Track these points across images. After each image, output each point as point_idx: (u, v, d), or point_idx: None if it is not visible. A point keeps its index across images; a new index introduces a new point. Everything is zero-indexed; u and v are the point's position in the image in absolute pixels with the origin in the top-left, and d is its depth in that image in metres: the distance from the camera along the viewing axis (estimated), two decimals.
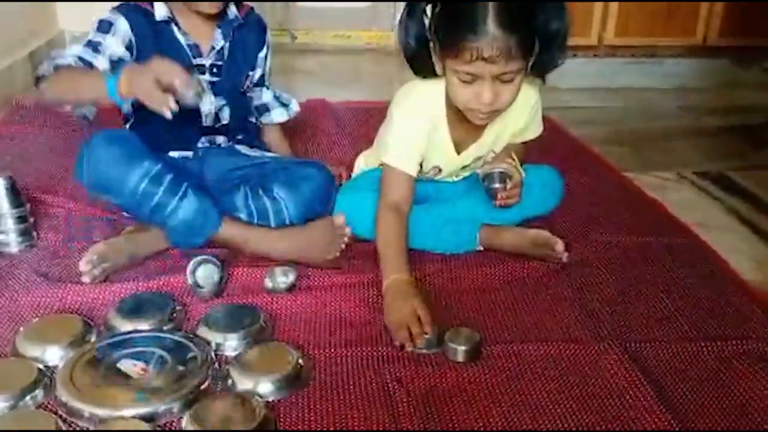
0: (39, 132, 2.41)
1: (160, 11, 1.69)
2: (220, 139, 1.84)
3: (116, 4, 1.70)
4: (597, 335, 1.40)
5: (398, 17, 1.58)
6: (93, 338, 1.32)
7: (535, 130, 1.75)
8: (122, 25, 1.66)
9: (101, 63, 1.63)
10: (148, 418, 1.11)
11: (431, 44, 1.49)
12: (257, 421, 1.09)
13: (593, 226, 1.86)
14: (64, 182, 2.00)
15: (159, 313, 1.38)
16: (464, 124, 1.60)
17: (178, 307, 1.42)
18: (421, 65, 1.54)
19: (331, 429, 1.13)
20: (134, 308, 1.39)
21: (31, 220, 1.68)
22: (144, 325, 1.35)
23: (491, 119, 1.56)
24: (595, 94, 3.36)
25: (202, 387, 1.19)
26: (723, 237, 1.87)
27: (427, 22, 1.47)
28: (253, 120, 1.98)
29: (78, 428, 1.12)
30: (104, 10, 1.70)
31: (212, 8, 1.69)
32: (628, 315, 1.48)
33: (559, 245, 1.65)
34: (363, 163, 1.90)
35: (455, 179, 1.80)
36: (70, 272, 1.55)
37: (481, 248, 1.70)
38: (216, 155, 1.81)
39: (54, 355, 1.26)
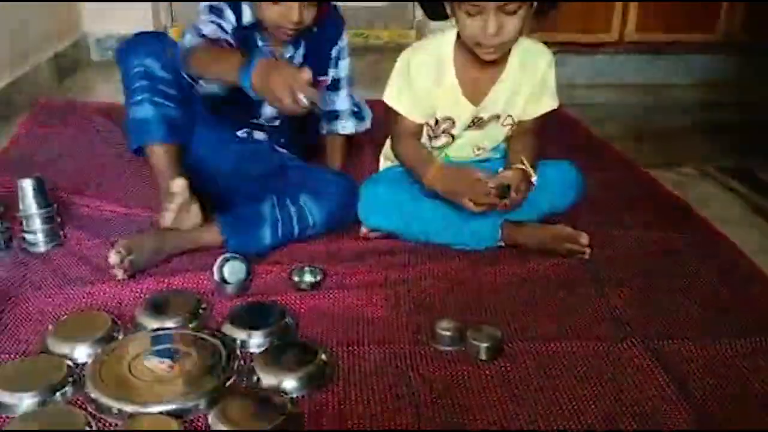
0: (64, 132, 2.44)
1: (247, 16, 1.73)
2: (260, 135, 1.88)
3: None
4: (619, 332, 1.40)
5: (417, 16, 1.62)
6: (121, 336, 1.34)
7: (551, 101, 1.76)
8: (228, 13, 1.72)
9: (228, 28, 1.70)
10: (176, 415, 1.13)
11: None
12: (283, 418, 1.11)
13: (614, 223, 1.86)
14: (90, 182, 2.03)
15: (185, 311, 1.40)
16: (475, 70, 1.65)
17: (203, 305, 1.44)
18: (432, 6, 1.60)
19: (356, 425, 1.15)
20: (161, 306, 1.41)
21: (58, 219, 1.71)
22: (170, 323, 1.37)
23: (498, 54, 1.58)
24: (616, 90, 3.34)
25: (228, 384, 1.21)
26: (744, 232, 1.86)
27: None
28: (310, 133, 2.00)
29: (107, 424, 1.14)
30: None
31: (288, 38, 1.73)
32: (649, 311, 1.48)
33: (584, 238, 1.65)
34: (384, 158, 1.91)
35: (475, 156, 1.80)
36: (97, 271, 1.57)
37: (503, 244, 1.70)
38: (257, 144, 1.85)
39: (83, 352, 1.29)
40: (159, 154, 1.69)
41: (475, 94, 1.68)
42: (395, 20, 4.01)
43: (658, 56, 3.47)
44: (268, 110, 1.83)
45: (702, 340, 1.38)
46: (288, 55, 1.79)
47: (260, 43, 1.77)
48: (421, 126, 1.72)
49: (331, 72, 1.92)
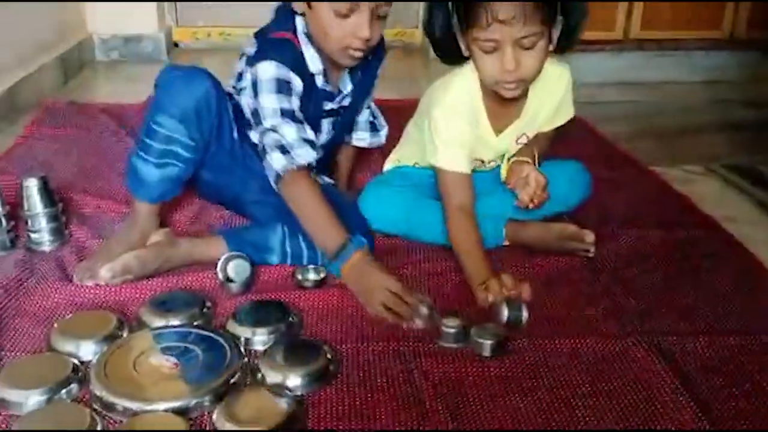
0: (69, 133, 2.45)
1: (315, 65, 1.60)
2: None
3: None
4: (624, 329, 1.40)
5: (423, 15, 1.60)
6: (125, 334, 1.34)
7: (567, 113, 1.76)
8: (297, 83, 1.57)
9: (311, 133, 1.58)
10: (180, 412, 1.13)
11: (454, 22, 1.51)
12: (287, 415, 1.11)
13: (620, 221, 1.85)
14: (95, 181, 2.04)
15: (189, 309, 1.40)
16: (502, 108, 1.62)
17: (207, 304, 1.44)
18: (446, 48, 1.56)
19: (360, 422, 1.14)
20: (165, 304, 1.41)
21: (63, 219, 1.71)
22: (175, 321, 1.37)
23: (519, 90, 1.54)
24: (621, 88, 3.34)
25: (232, 381, 1.21)
26: (751, 231, 1.85)
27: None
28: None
29: (112, 421, 1.14)
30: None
31: (353, 62, 1.61)
32: (655, 309, 1.48)
33: (589, 236, 1.65)
34: (391, 161, 1.90)
35: (484, 168, 1.80)
36: None
37: (507, 243, 1.70)
38: None
39: (88, 350, 1.29)
40: (142, 211, 1.62)
41: (499, 129, 1.68)
42: (400, 19, 4.01)
43: (663, 54, 3.47)
44: (321, 140, 1.73)
45: (707, 337, 1.38)
46: (346, 91, 1.70)
47: (320, 84, 1.64)
48: (468, 182, 1.62)
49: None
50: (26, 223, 1.67)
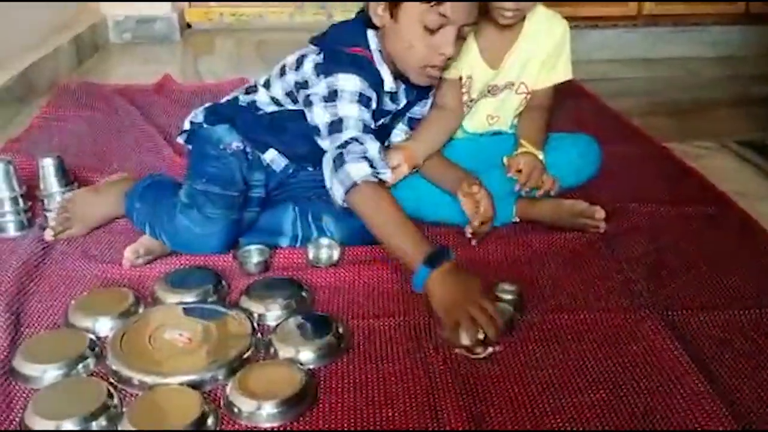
0: (83, 114, 2.47)
1: (389, 83, 1.54)
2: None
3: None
4: (634, 304, 1.41)
5: None
6: (141, 310, 1.37)
7: (565, 71, 1.79)
8: (374, 99, 1.51)
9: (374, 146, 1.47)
10: (194, 386, 1.15)
11: None
12: (299, 388, 1.13)
13: (631, 197, 1.84)
14: (109, 162, 2.06)
15: (203, 286, 1.42)
16: (491, 34, 1.67)
17: (222, 281, 1.46)
18: None
19: (371, 394, 1.16)
20: (180, 281, 1.43)
21: None
22: (189, 298, 1.39)
23: (516, 18, 1.61)
24: (636, 65, 3.32)
25: (246, 356, 1.23)
26: (764, 206, 1.85)
27: None
28: None
29: (128, 395, 1.16)
30: None
31: (430, 82, 1.56)
32: (666, 284, 1.48)
33: (599, 213, 1.65)
34: None
35: (489, 126, 1.82)
36: (117, 248, 1.59)
37: (518, 220, 1.71)
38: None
39: (104, 326, 1.31)
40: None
41: (491, 58, 1.71)
42: None
43: (677, 29, 3.43)
44: None
45: (717, 311, 1.38)
46: (400, 107, 1.64)
47: (387, 103, 1.60)
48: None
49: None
50: (42, 203, 1.70)
